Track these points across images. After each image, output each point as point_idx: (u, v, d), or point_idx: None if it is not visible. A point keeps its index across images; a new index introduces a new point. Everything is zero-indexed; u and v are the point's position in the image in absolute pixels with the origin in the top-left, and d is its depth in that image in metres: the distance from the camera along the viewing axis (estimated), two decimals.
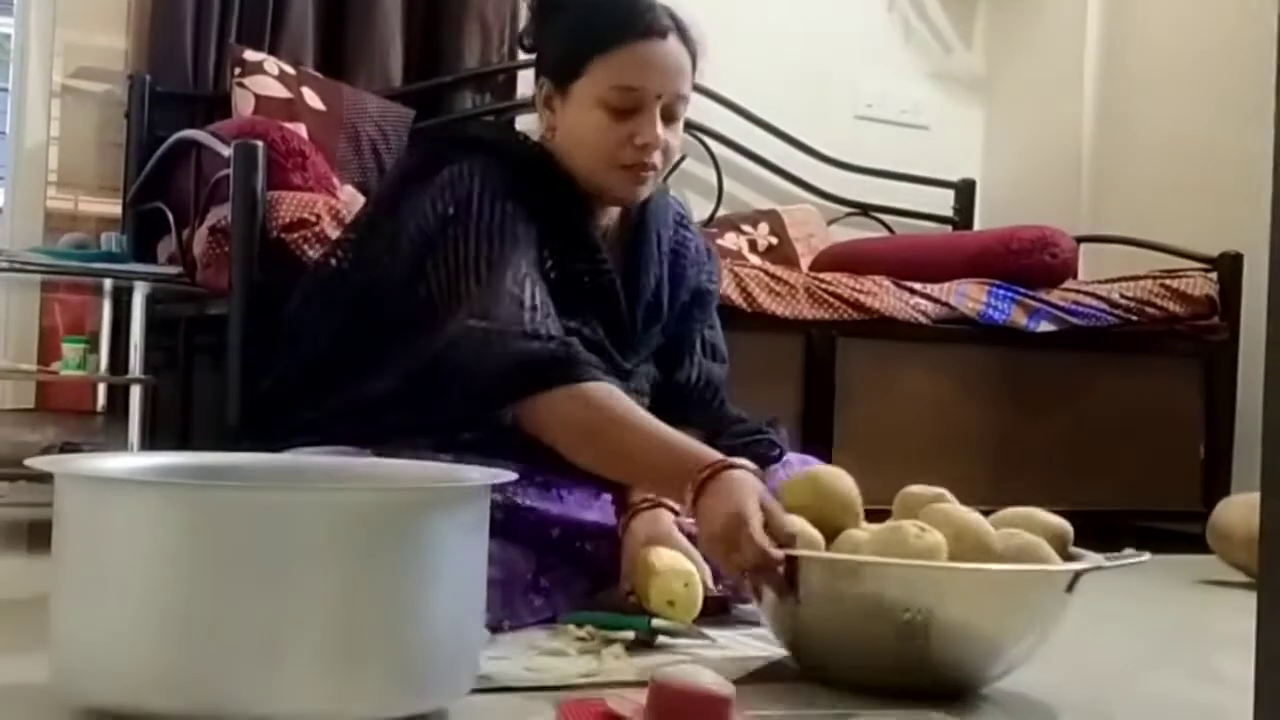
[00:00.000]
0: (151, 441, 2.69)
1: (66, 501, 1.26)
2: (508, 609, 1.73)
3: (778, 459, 2.02)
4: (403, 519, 1.23)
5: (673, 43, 1.88)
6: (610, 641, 1.64)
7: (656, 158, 1.88)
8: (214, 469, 1.45)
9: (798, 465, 2.03)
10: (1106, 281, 3.38)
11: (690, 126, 3.90)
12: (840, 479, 1.65)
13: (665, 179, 2.03)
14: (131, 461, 1.44)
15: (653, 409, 1.99)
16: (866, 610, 1.43)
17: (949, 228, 4.23)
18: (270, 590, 1.17)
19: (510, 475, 1.39)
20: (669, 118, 1.89)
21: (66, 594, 1.25)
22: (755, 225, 3.87)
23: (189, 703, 1.16)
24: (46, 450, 2.74)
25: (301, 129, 3.01)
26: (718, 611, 1.95)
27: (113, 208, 3.35)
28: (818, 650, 1.53)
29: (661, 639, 1.70)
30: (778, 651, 1.70)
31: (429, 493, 1.31)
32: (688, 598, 1.71)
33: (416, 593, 1.22)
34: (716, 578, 1.92)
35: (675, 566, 1.72)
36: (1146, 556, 1.58)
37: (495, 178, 1.86)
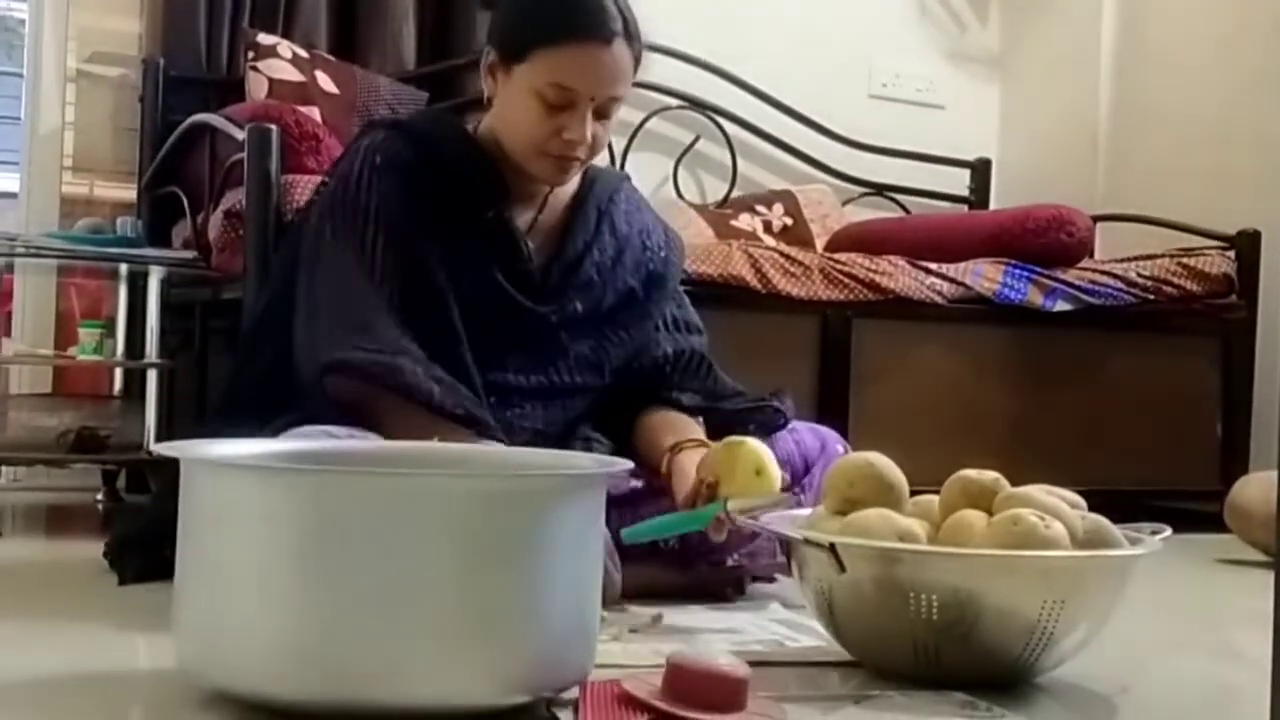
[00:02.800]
0: (168, 425, 2.70)
1: (195, 488, 1.28)
2: None
3: (784, 426, 2.04)
4: (527, 505, 1.24)
5: (616, 47, 1.87)
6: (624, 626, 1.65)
7: (582, 151, 1.90)
8: (334, 455, 1.48)
9: (805, 433, 2.04)
10: (1123, 260, 3.36)
11: (704, 107, 3.90)
12: (892, 466, 1.63)
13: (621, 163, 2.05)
14: (252, 447, 1.46)
15: (642, 386, 2.03)
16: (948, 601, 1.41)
17: (964, 207, 4.21)
18: (395, 576, 1.18)
19: (627, 464, 1.43)
20: (601, 114, 1.90)
21: (193, 579, 1.27)
22: (770, 206, 3.86)
23: (315, 688, 1.18)
24: (63, 435, 2.75)
25: (315, 112, 3.01)
26: (733, 588, 1.97)
27: (128, 192, 3.36)
28: (863, 638, 1.53)
29: (674, 622, 1.70)
30: (793, 633, 1.70)
31: (552, 480, 1.33)
32: (772, 469, 1.74)
33: (539, 579, 1.24)
34: (726, 549, 1.93)
35: (757, 445, 1.75)
36: (1168, 530, 1.58)
37: (390, 153, 1.92)
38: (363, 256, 1.86)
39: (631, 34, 1.90)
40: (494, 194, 1.96)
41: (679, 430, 1.96)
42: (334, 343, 1.80)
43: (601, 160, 2.11)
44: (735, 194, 3.93)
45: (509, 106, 1.92)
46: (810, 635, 1.67)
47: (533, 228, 2.00)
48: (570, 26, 1.85)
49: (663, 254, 2.11)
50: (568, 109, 1.86)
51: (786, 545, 1.59)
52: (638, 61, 1.93)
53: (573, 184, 2.06)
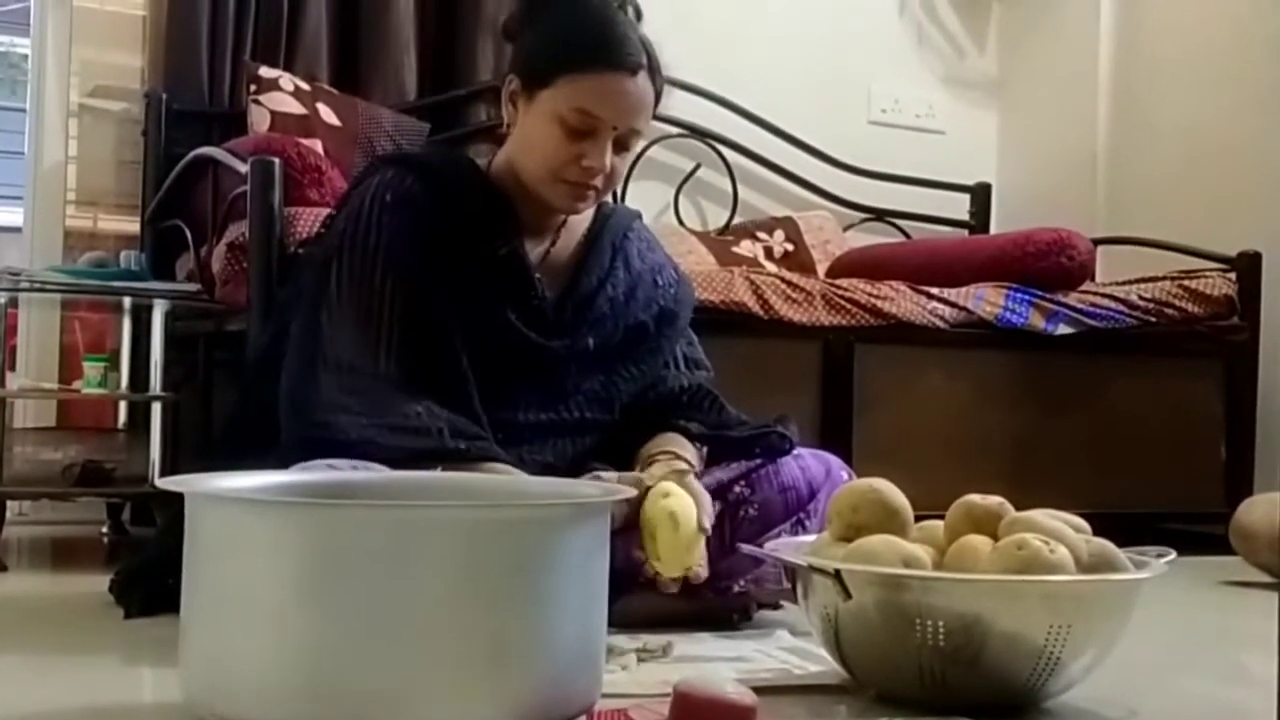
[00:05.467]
0: (173, 458, 2.70)
1: (199, 521, 1.29)
2: None
3: (788, 452, 2.03)
4: (532, 534, 1.25)
5: (640, 79, 1.90)
6: (626, 652, 1.65)
7: (599, 180, 1.92)
8: (337, 487, 1.49)
9: (809, 459, 2.05)
10: (1124, 283, 3.37)
11: (705, 135, 3.92)
12: (896, 491, 1.63)
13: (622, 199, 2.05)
14: (257, 480, 1.46)
15: (650, 418, 2.02)
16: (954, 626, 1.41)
17: (965, 232, 4.22)
18: (400, 607, 1.19)
19: (630, 492, 1.48)
20: (621, 146, 1.93)
21: (199, 613, 1.28)
22: (771, 232, 3.87)
23: (320, 718, 1.18)
24: (68, 469, 2.75)
25: (317, 144, 3.02)
26: (740, 615, 1.97)
27: (131, 226, 3.37)
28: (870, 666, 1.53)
29: (681, 650, 1.70)
30: (800, 660, 1.70)
31: (557, 509, 1.33)
32: (674, 542, 1.71)
33: (545, 608, 1.24)
34: (732, 576, 1.92)
35: (681, 512, 1.72)
36: (1173, 554, 1.58)
37: (400, 190, 1.93)
38: (370, 300, 1.86)
39: (654, 69, 1.94)
40: (506, 228, 1.97)
41: (661, 447, 1.95)
42: (330, 411, 1.78)
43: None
44: (736, 221, 3.94)
45: (530, 132, 1.93)
46: (817, 662, 1.67)
47: (544, 262, 2.01)
48: (599, 54, 1.88)
49: (674, 291, 2.13)
50: (589, 136, 1.88)
51: (792, 572, 1.59)
52: (658, 98, 1.96)
53: (586, 219, 2.08)
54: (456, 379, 1.86)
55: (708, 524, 1.78)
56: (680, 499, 1.74)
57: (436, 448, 1.75)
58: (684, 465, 1.90)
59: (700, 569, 1.76)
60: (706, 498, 1.83)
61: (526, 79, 1.93)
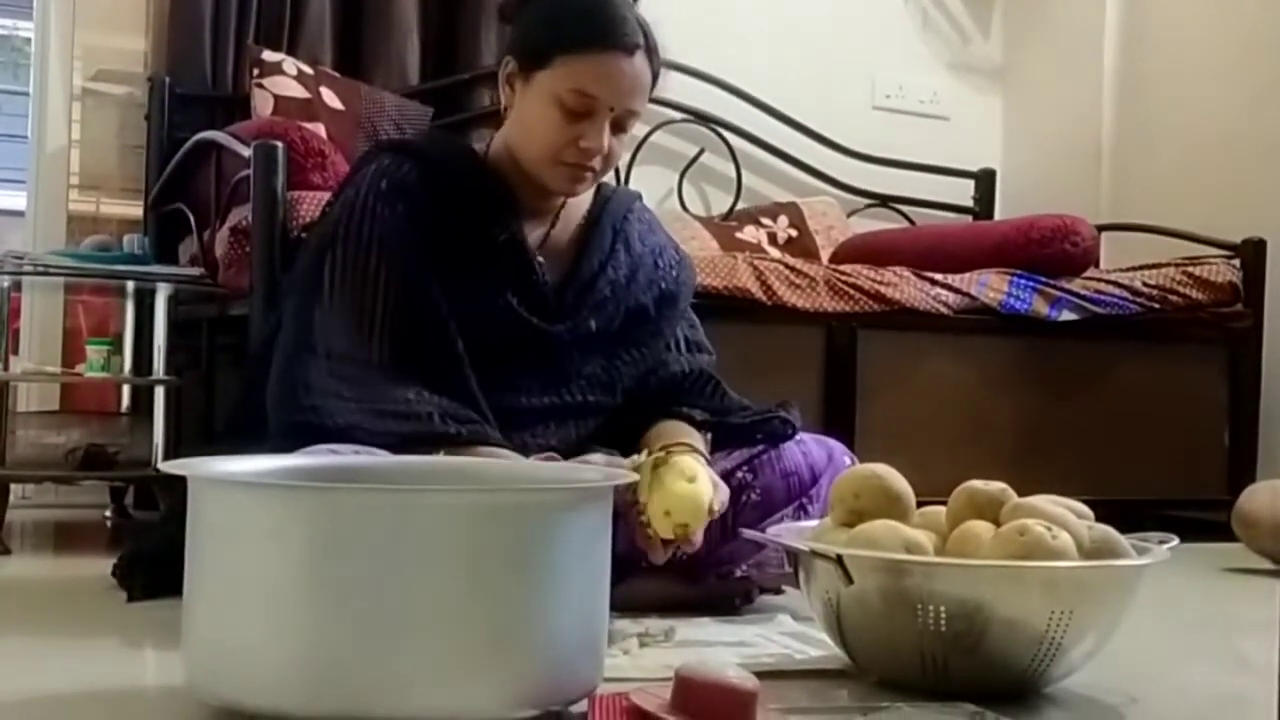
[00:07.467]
0: (176, 442, 2.70)
1: (201, 505, 1.29)
2: None
3: (791, 437, 2.04)
4: (534, 518, 1.25)
5: (638, 60, 1.89)
6: (628, 637, 1.65)
7: (597, 162, 1.92)
8: (340, 471, 1.49)
9: (812, 445, 2.05)
10: (1128, 270, 3.36)
11: (709, 120, 3.91)
12: (898, 477, 1.63)
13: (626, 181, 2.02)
14: (260, 464, 1.47)
15: (652, 403, 2.02)
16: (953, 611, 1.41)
17: (969, 218, 4.21)
18: (403, 591, 1.19)
19: (632, 477, 1.49)
20: (618, 127, 1.92)
21: (201, 596, 1.28)
22: (775, 218, 3.86)
23: (323, 704, 1.19)
24: (71, 452, 2.75)
25: (320, 129, 3.02)
26: (741, 599, 1.97)
27: (134, 210, 3.37)
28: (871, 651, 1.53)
29: (683, 635, 1.70)
30: (802, 645, 1.70)
31: (559, 493, 1.33)
32: (687, 511, 1.70)
33: (547, 592, 1.24)
34: (734, 560, 1.92)
35: (689, 489, 1.71)
36: (1175, 540, 1.58)
37: (396, 177, 1.92)
38: (364, 289, 1.85)
39: (652, 49, 1.92)
40: (504, 213, 1.96)
41: (668, 435, 1.94)
42: (323, 398, 1.78)
43: (608, 176, 2.11)
44: (740, 206, 3.94)
45: (527, 114, 1.92)
46: (819, 647, 1.67)
47: (544, 245, 2.00)
48: (596, 35, 1.87)
49: (674, 273, 2.11)
50: (587, 117, 1.88)
51: (794, 557, 1.60)
52: (656, 78, 1.95)
53: (586, 201, 2.07)
54: (454, 366, 1.85)
55: (718, 507, 1.77)
56: (703, 475, 1.74)
57: (426, 431, 1.74)
58: (703, 457, 1.89)
59: (694, 539, 1.74)
60: (725, 489, 1.83)
61: (523, 61, 1.92)
